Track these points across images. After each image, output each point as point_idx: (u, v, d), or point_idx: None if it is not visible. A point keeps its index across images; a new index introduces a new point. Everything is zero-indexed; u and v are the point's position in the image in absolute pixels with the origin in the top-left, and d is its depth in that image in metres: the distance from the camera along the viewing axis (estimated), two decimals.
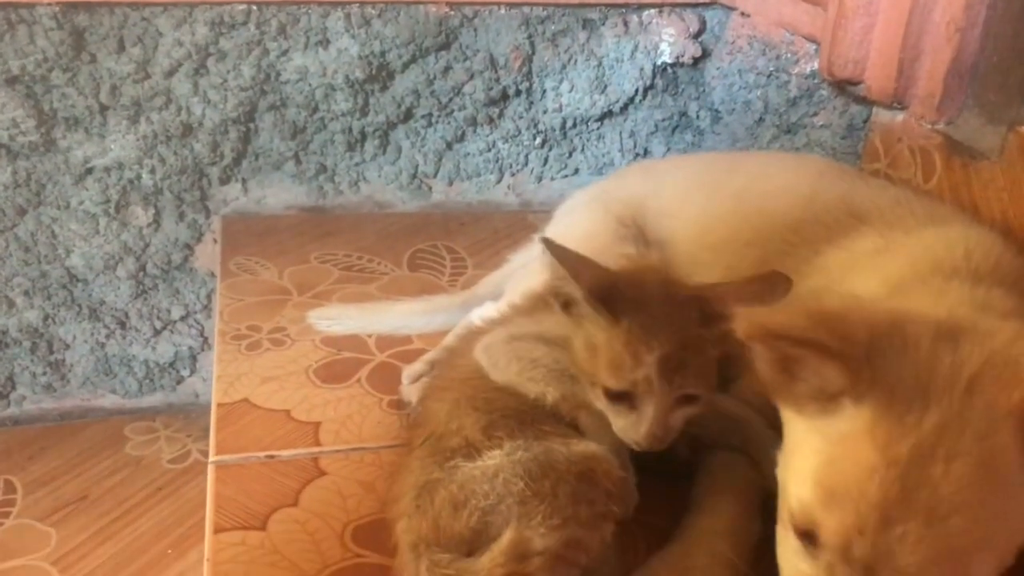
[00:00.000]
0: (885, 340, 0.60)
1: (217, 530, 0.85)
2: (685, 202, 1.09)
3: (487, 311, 1.02)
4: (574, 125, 1.58)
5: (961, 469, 0.56)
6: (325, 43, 1.42)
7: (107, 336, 1.57)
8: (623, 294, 0.73)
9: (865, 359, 0.59)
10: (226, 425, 1.00)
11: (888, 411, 0.58)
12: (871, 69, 1.11)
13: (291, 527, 0.86)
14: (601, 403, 0.75)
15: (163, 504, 1.42)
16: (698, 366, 0.73)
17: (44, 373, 1.57)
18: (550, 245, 0.75)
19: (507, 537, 0.68)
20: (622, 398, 0.73)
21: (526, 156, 1.59)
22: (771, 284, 0.74)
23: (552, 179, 1.62)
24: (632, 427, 0.73)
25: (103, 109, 1.40)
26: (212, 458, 0.95)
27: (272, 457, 0.96)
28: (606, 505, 0.70)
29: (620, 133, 1.60)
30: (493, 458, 0.71)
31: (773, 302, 0.72)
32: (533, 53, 1.50)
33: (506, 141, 1.57)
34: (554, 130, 1.58)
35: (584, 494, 0.70)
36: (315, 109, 1.47)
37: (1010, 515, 0.59)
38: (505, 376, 0.78)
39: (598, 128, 1.60)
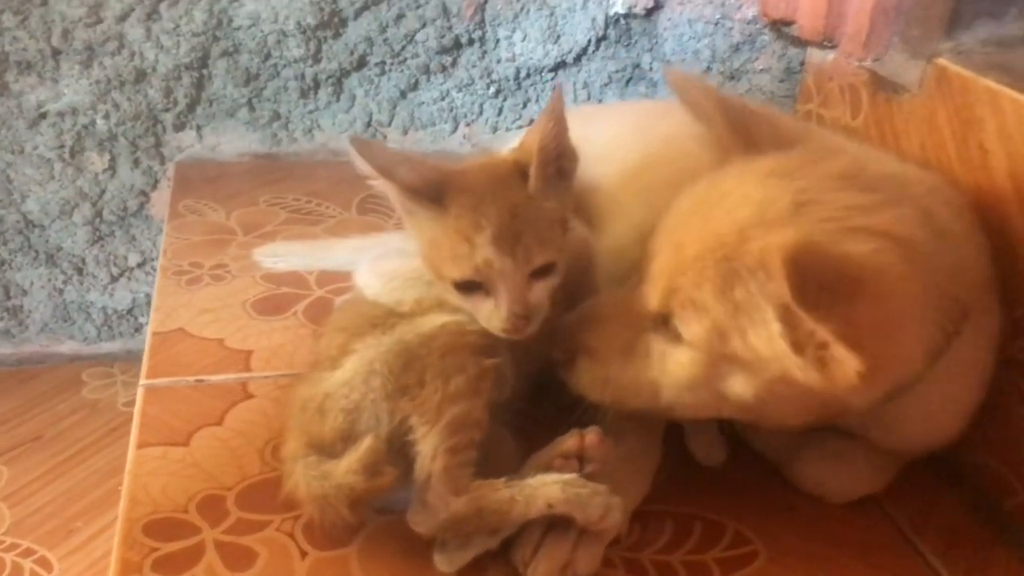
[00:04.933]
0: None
1: (140, 446, 0.87)
2: (617, 147, 1.10)
3: None
4: (528, 75, 1.59)
5: None
6: None
7: (64, 282, 1.58)
8: (449, 184, 0.71)
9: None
10: (159, 352, 1.02)
11: None
12: (802, 7, 1.13)
13: (213, 443, 0.88)
14: (456, 298, 0.73)
15: (116, 444, 1.43)
16: (535, 232, 0.70)
17: (1, 319, 1.58)
18: (355, 143, 0.71)
19: (365, 444, 0.67)
20: (474, 287, 0.71)
21: (480, 106, 1.60)
22: (552, 101, 0.72)
23: (507, 129, 1.63)
24: (494, 314, 0.70)
25: (55, 53, 1.41)
26: (142, 382, 0.97)
27: (201, 381, 0.97)
28: (477, 364, 0.69)
29: (574, 84, 1.61)
30: (351, 362, 0.72)
31: (560, 111, 0.72)
32: (485, 2, 1.51)
33: (460, 90, 1.58)
34: (508, 80, 1.59)
35: (452, 365, 0.68)
36: (268, 55, 1.48)
37: None
38: (370, 291, 0.79)
39: (552, 78, 1.60)
